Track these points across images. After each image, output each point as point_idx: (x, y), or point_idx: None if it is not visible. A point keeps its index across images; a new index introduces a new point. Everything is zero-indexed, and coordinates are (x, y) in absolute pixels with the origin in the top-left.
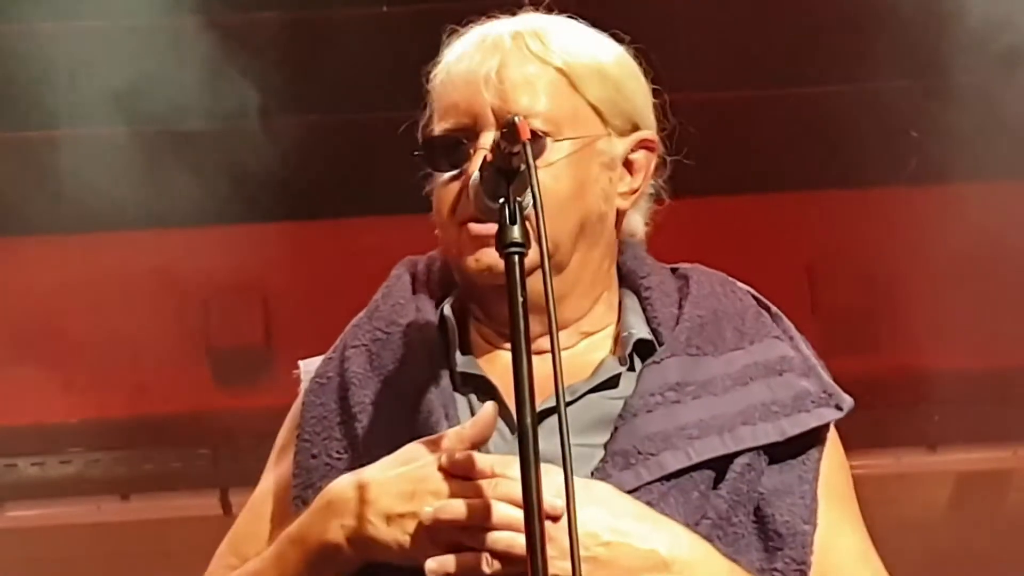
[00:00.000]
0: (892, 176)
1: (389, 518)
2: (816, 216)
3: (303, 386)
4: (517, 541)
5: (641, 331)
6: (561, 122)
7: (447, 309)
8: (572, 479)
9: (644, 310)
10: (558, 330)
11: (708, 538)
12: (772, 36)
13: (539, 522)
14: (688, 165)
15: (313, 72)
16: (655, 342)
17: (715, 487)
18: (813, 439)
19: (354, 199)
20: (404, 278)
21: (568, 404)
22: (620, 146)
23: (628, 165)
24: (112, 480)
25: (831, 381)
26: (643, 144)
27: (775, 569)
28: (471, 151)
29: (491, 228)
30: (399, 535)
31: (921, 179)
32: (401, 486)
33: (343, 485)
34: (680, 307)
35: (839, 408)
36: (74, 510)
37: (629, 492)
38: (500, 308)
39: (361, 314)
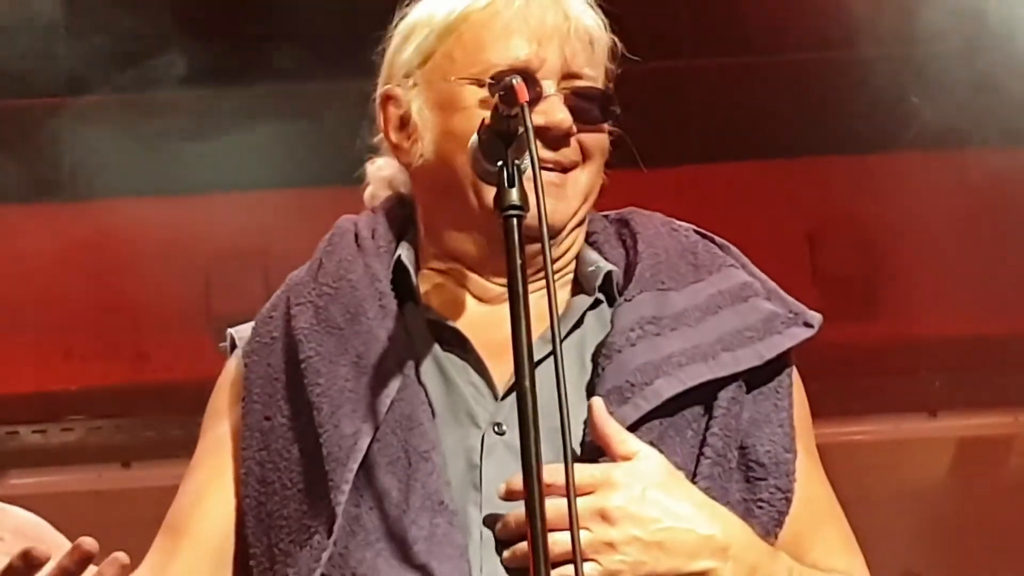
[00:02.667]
0: (892, 142)
1: None
2: (816, 183)
3: (238, 350)
4: None
5: (606, 265)
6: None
7: (405, 258)
8: (569, 436)
9: (598, 254)
10: (533, 273)
11: (710, 475)
12: (771, 3)
13: (539, 493)
14: (687, 133)
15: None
16: (618, 278)
17: (707, 425)
18: (783, 364)
19: (359, 166)
20: (347, 236)
21: (546, 357)
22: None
23: None
24: (113, 447)
25: (794, 300)
26: None
27: (760, 500)
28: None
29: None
30: None
31: (921, 145)
32: None
33: None
34: (627, 248)
35: (808, 325)
36: (75, 477)
37: (632, 427)
38: (489, 255)
39: (301, 271)
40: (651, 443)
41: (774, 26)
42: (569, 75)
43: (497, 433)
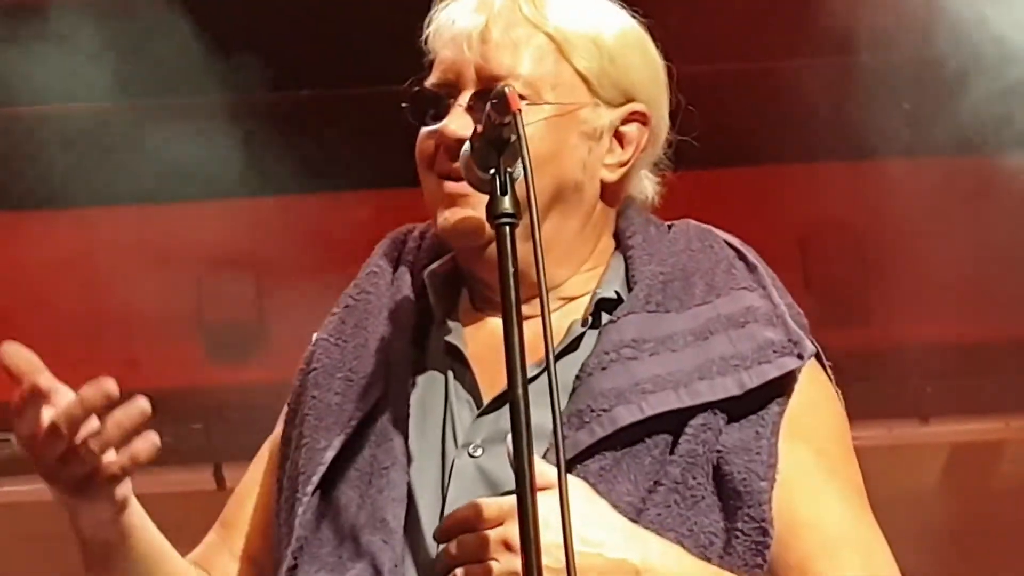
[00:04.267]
0: (884, 149)
1: None
2: (808, 189)
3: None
4: None
5: (607, 291)
6: (541, 87)
7: (428, 275)
8: (563, 461)
9: (627, 269)
10: (547, 295)
11: (666, 504)
12: (765, 9)
13: (532, 505)
14: (680, 138)
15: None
16: (619, 300)
17: (671, 452)
18: (774, 392)
19: (346, 173)
20: (386, 245)
21: (535, 377)
22: (607, 117)
23: (619, 137)
24: None
25: (797, 329)
26: (634, 117)
27: (736, 529)
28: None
29: (463, 187)
30: None
31: (913, 152)
32: None
33: None
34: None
35: (800, 357)
36: None
37: (583, 452)
38: (479, 270)
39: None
40: (601, 469)
41: (768, 34)
42: (488, 80)
43: (472, 456)
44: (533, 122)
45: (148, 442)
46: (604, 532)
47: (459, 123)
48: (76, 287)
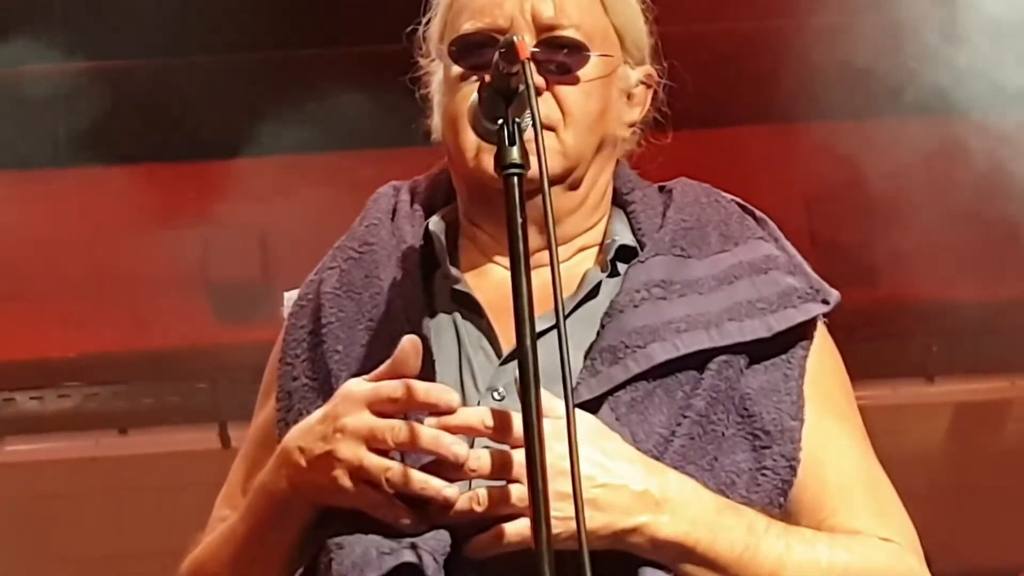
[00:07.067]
0: (890, 108)
1: (310, 461)
2: (815, 148)
3: (285, 312)
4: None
5: (625, 238)
6: (595, 39)
7: (433, 225)
8: (573, 412)
9: (630, 223)
10: (558, 245)
11: (689, 436)
12: None
13: (539, 450)
14: (687, 97)
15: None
16: (638, 248)
17: (697, 386)
18: (798, 336)
19: (351, 132)
20: (382, 200)
21: (549, 328)
22: (633, 76)
23: (629, 97)
24: (111, 414)
25: (817, 277)
26: (646, 79)
27: (764, 468)
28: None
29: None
30: (320, 476)
31: (920, 110)
32: (320, 427)
33: (290, 433)
34: (664, 216)
35: (825, 302)
36: (73, 444)
37: (618, 387)
38: (495, 221)
39: (343, 237)
40: (633, 400)
41: None
42: (544, 29)
43: (496, 399)
44: (594, 77)
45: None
46: (626, 465)
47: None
48: (83, 247)
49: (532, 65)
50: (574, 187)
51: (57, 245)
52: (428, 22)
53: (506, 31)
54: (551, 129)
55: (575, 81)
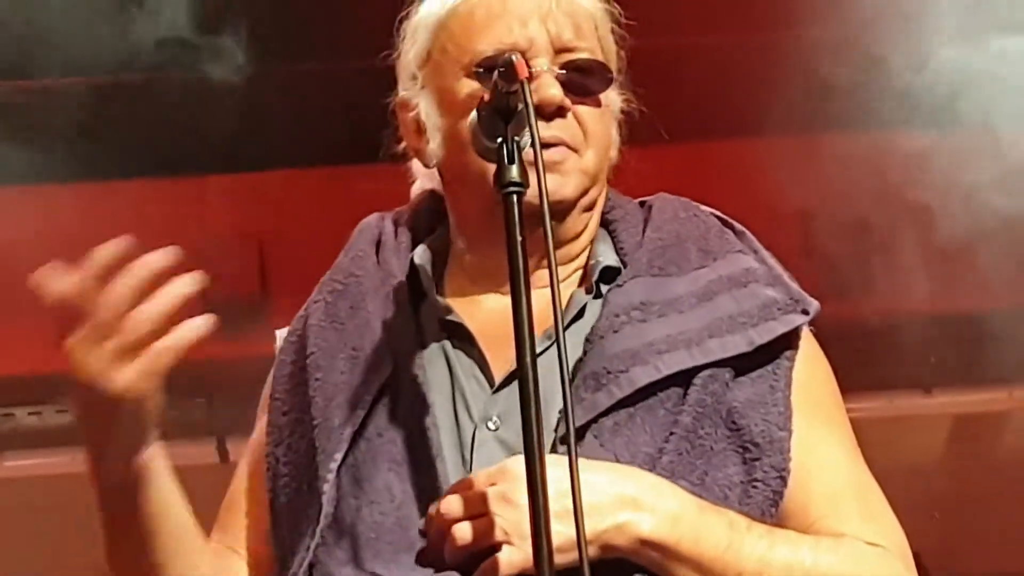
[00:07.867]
0: (885, 120)
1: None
2: (810, 160)
3: (277, 345)
4: None
5: (608, 259)
6: (610, 62)
7: (419, 256)
8: (573, 424)
9: (613, 242)
10: (558, 266)
11: (677, 451)
12: None
13: (540, 470)
14: (681, 110)
15: (306, 20)
16: (621, 268)
17: (682, 403)
18: (783, 347)
19: (351, 146)
20: (367, 232)
21: (544, 351)
22: (618, 100)
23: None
24: None
25: (798, 288)
26: (624, 102)
27: (755, 480)
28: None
29: (562, 151)
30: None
31: (914, 124)
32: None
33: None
34: (644, 234)
35: (806, 312)
36: (72, 459)
37: (603, 413)
38: (500, 246)
39: (329, 271)
40: (616, 424)
41: (770, 3)
42: (561, 50)
43: (490, 429)
44: (613, 101)
45: (195, 325)
46: (597, 474)
47: (558, 90)
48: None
49: (558, 84)
50: (589, 208)
51: (56, 259)
52: (402, 51)
53: (524, 51)
54: (575, 151)
55: (598, 104)
